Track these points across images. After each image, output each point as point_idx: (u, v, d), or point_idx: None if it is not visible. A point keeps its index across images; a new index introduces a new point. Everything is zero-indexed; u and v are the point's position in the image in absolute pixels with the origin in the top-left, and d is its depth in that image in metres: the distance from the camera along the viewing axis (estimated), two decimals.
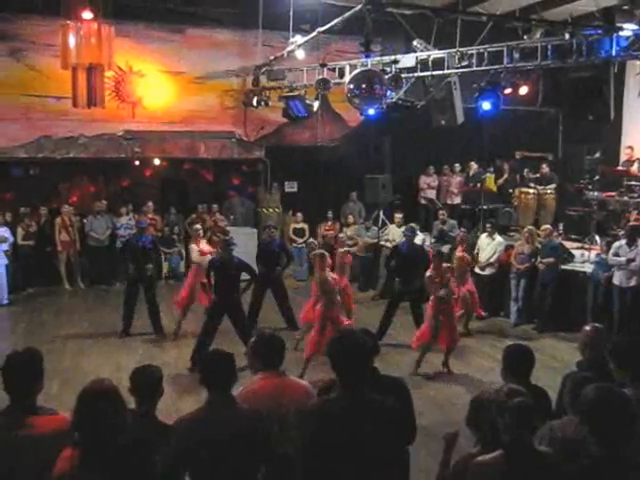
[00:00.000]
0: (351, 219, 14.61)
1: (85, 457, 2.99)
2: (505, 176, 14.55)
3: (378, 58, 11.72)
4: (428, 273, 8.98)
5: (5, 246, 12.28)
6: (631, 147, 13.21)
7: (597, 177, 13.01)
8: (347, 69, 11.97)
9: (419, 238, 12.72)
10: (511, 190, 14.26)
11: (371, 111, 11.41)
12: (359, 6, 10.00)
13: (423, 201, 15.27)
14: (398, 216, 13.66)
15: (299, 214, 15.01)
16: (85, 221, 13.97)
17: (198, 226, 11.45)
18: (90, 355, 9.47)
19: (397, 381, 4.25)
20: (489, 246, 11.64)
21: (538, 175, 13.96)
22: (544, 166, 13.98)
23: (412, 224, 11.18)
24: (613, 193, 12.55)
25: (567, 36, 9.68)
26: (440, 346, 8.93)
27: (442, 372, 8.89)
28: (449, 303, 8.92)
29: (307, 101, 12.94)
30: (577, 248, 11.82)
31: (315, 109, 13.20)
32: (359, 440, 3.21)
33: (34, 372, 3.48)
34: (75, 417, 3.07)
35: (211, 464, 3.45)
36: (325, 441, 3.24)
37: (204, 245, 10.78)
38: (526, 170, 14.32)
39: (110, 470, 2.98)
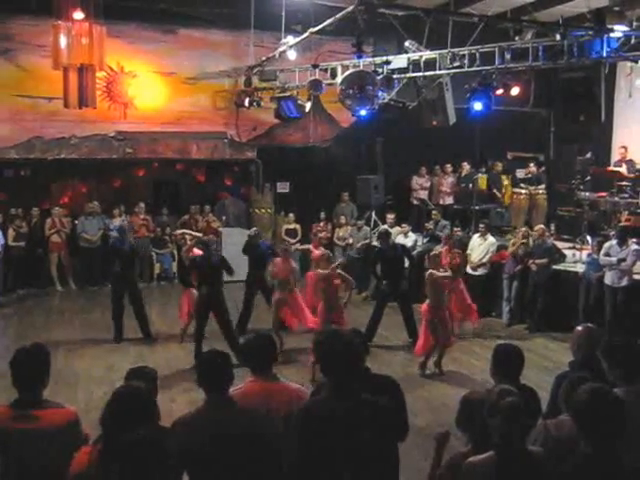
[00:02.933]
0: (343, 220, 14.61)
1: (105, 453, 3.02)
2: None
3: (370, 59, 11.74)
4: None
5: None
6: (625, 147, 13.25)
7: (588, 177, 13.06)
8: (339, 70, 11.98)
9: (411, 239, 12.77)
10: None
11: (363, 112, 11.41)
12: (351, 7, 10.02)
13: (415, 202, 15.27)
14: (390, 217, 13.67)
15: (291, 215, 14.99)
16: (77, 222, 13.92)
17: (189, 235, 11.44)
18: (82, 356, 9.44)
19: (389, 379, 4.25)
20: (481, 246, 11.65)
21: (530, 175, 14.02)
22: (531, 165, 14.03)
23: (383, 228, 11.30)
24: (604, 193, 12.60)
25: (558, 37, 9.70)
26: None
27: (434, 372, 8.88)
28: (442, 306, 8.93)
29: (299, 102, 12.95)
30: (569, 248, 11.87)
31: (307, 110, 13.21)
32: (350, 441, 3.20)
33: (41, 366, 3.59)
34: (104, 412, 3.12)
35: (210, 464, 3.44)
36: (315, 442, 3.23)
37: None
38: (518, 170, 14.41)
39: (128, 467, 2.99)
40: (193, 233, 11.27)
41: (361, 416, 3.25)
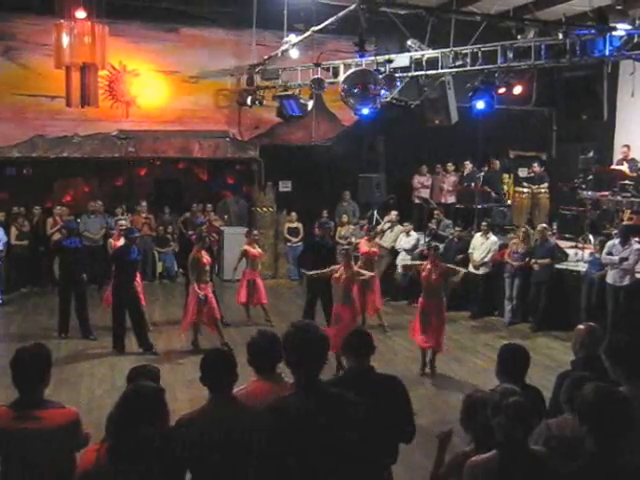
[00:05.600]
0: (345, 218, 14.61)
1: (114, 452, 3.02)
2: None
3: (372, 58, 11.71)
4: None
5: None
6: (627, 146, 13.21)
7: (590, 176, 13.04)
8: (341, 68, 11.97)
9: (413, 237, 12.75)
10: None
11: (365, 111, 11.38)
12: (353, 5, 10.01)
13: (417, 200, 15.27)
14: (394, 213, 13.64)
15: (293, 213, 15.00)
16: (79, 221, 13.92)
17: (123, 222, 11.41)
18: (84, 355, 9.46)
19: (394, 379, 4.21)
20: (483, 245, 11.66)
21: (532, 174, 14.00)
22: (535, 165, 14.00)
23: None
24: (607, 192, 12.57)
25: (561, 36, 9.68)
26: (426, 345, 8.83)
27: (427, 372, 8.77)
28: (441, 305, 8.88)
29: (301, 100, 12.93)
30: (571, 247, 11.86)
31: (309, 108, 13.20)
32: (324, 436, 3.12)
33: (42, 366, 3.59)
34: (115, 410, 3.11)
35: (214, 463, 3.43)
36: (289, 439, 3.18)
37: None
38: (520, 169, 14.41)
39: (137, 464, 3.01)
40: None
41: (333, 410, 3.18)
